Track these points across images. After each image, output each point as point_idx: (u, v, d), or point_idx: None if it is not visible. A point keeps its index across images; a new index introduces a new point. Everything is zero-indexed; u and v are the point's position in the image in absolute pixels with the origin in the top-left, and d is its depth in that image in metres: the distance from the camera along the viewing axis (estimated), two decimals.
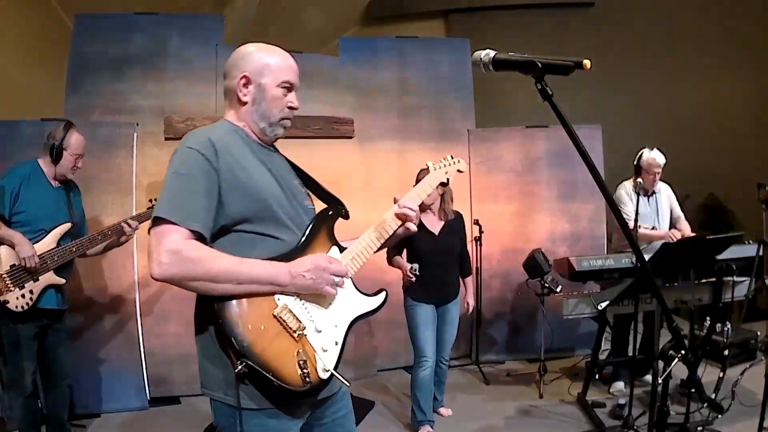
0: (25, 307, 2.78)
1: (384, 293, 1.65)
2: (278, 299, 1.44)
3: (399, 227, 1.69)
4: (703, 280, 3.58)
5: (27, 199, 2.86)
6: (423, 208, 3.37)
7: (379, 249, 1.69)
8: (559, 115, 1.21)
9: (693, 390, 3.39)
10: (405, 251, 3.44)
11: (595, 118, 5.05)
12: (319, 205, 1.71)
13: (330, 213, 1.65)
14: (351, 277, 1.59)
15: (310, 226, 1.57)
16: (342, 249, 1.61)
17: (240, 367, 1.32)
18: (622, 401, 3.61)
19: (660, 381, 1.54)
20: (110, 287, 3.87)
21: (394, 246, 3.37)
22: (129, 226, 3.02)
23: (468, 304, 3.60)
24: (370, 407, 3.80)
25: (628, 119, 6.36)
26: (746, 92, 6.34)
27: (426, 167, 1.89)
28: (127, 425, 3.66)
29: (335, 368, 1.48)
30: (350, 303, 1.58)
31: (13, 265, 2.77)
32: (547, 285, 3.89)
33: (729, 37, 6.38)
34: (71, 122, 3.04)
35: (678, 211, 4.15)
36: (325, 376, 1.45)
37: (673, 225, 4.12)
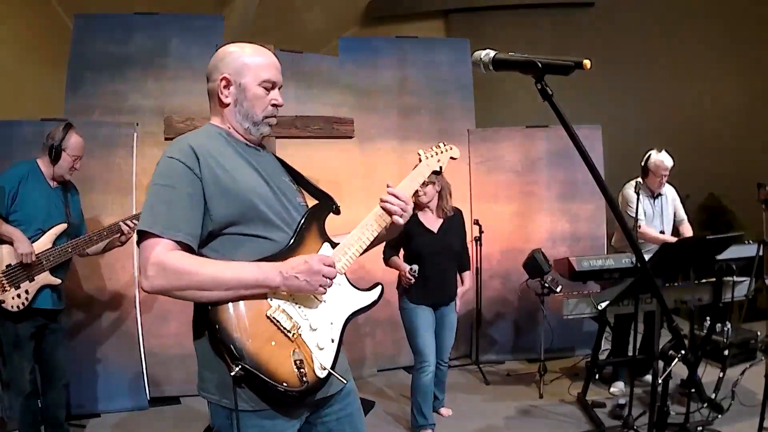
0: (21, 307, 2.79)
1: (380, 287, 1.64)
2: (271, 300, 1.43)
3: (388, 220, 1.65)
4: (703, 280, 3.58)
5: (24, 199, 2.86)
6: (421, 206, 3.36)
7: (373, 244, 1.66)
8: (559, 115, 1.21)
9: (693, 390, 3.39)
10: (402, 251, 3.40)
11: (595, 118, 5.04)
12: (311, 202, 1.69)
13: (320, 209, 1.63)
14: (345, 273, 1.58)
15: (301, 223, 1.55)
16: (334, 245, 1.60)
17: (236, 370, 1.31)
18: (622, 401, 3.61)
19: (660, 381, 1.54)
20: (110, 287, 3.87)
21: (391, 246, 3.36)
22: (127, 226, 3.02)
23: (458, 303, 3.52)
24: (371, 407, 3.81)
25: (628, 119, 6.37)
26: (746, 92, 6.34)
27: (419, 156, 1.83)
28: (127, 425, 3.66)
29: (333, 366, 1.47)
30: (345, 299, 1.56)
31: (9, 265, 2.77)
32: (547, 285, 3.89)
33: (729, 37, 6.38)
34: (71, 123, 3.05)
35: (682, 214, 4.15)
36: (322, 374, 1.45)
37: (676, 227, 4.12)
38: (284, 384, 1.36)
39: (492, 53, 1.27)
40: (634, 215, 3.71)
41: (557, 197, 4.85)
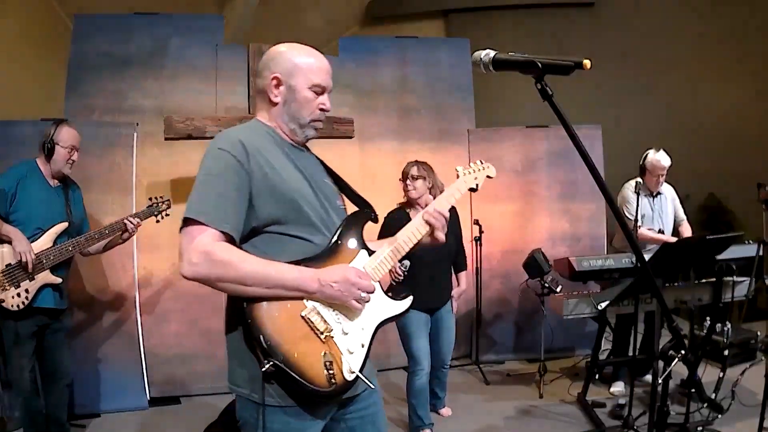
0: (21, 306, 2.78)
1: (410, 298, 1.67)
2: (307, 301, 1.46)
3: (426, 233, 1.68)
4: (703, 280, 3.58)
5: (24, 199, 2.86)
6: (411, 203, 3.33)
7: (407, 254, 1.68)
8: (559, 115, 1.21)
9: (693, 390, 3.39)
10: None
11: (595, 118, 5.05)
12: (349, 206, 1.71)
13: (360, 216, 1.66)
14: (379, 281, 1.60)
15: (340, 228, 1.58)
16: (370, 252, 1.62)
17: (267, 366, 1.34)
18: (622, 401, 3.61)
19: (660, 381, 1.55)
20: (110, 287, 3.87)
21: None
22: (131, 223, 3.01)
23: (455, 305, 3.48)
24: None
25: (628, 119, 6.37)
26: (746, 92, 6.33)
27: (457, 173, 1.84)
28: (127, 425, 3.66)
29: (360, 370, 1.50)
30: (377, 306, 1.59)
31: (9, 264, 2.77)
32: (547, 285, 3.89)
33: (729, 37, 6.38)
34: (63, 120, 3.04)
35: (681, 214, 4.14)
36: (350, 377, 1.47)
37: (675, 227, 4.12)
38: (313, 384, 1.39)
39: (492, 53, 1.27)
40: (631, 215, 3.71)
41: (557, 197, 4.85)
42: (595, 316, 3.72)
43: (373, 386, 1.56)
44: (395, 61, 4.77)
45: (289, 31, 6.61)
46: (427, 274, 3.20)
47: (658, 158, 3.87)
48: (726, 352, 3.67)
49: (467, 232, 4.53)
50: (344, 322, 1.50)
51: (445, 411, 3.69)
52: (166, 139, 3.48)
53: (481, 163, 1.89)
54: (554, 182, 4.85)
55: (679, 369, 1.31)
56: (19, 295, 2.78)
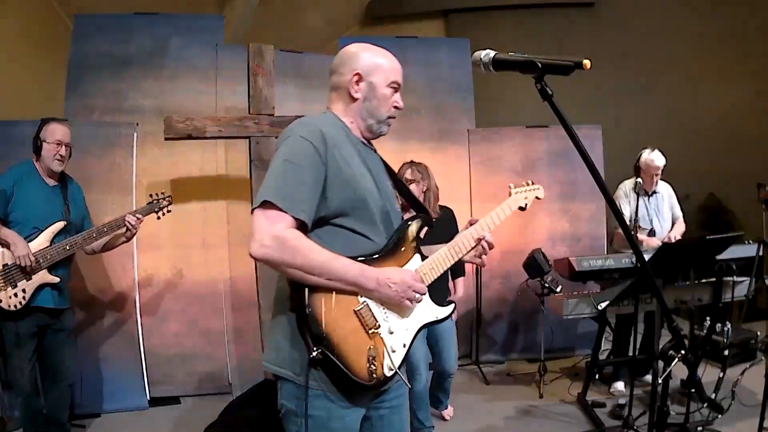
0: (18, 306, 2.78)
1: (453, 305, 1.73)
2: (360, 297, 1.52)
3: (472, 249, 1.75)
4: (703, 280, 3.57)
5: (20, 199, 2.86)
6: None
7: (458, 262, 1.75)
8: (559, 115, 1.21)
9: (693, 390, 3.39)
10: None
11: (595, 118, 5.04)
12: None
13: (418, 220, 1.71)
14: (427, 285, 1.66)
15: (399, 230, 1.65)
16: (423, 257, 1.69)
17: (316, 353, 1.41)
18: (622, 401, 3.61)
19: (660, 381, 1.55)
20: (110, 287, 3.87)
21: None
22: (132, 220, 3.00)
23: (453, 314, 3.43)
24: None
25: (628, 119, 6.37)
26: (746, 92, 6.33)
27: (510, 190, 1.92)
28: (127, 425, 3.66)
29: (399, 368, 1.57)
30: (422, 310, 1.65)
31: (6, 264, 2.76)
32: (547, 285, 3.88)
33: (729, 37, 6.38)
34: (51, 118, 3.03)
35: (677, 212, 4.14)
36: (389, 374, 1.54)
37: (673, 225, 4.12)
38: (356, 375, 1.47)
39: (492, 53, 1.27)
40: (623, 214, 3.72)
41: (557, 197, 4.85)
42: (595, 316, 3.72)
43: (409, 385, 1.65)
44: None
45: (289, 31, 6.63)
46: None
47: (653, 158, 3.87)
48: (726, 352, 3.67)
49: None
50: (391, 322, 1.57)
51: (447, 413, 3.68)
52: (166, 139, 3.47)
53: (533, 183, 1.97)
54: (554, 182, 4.85)
55: (679, 369, 1.31)
56: (16, 295, 2.77)
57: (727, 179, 6.01)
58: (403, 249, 1.64)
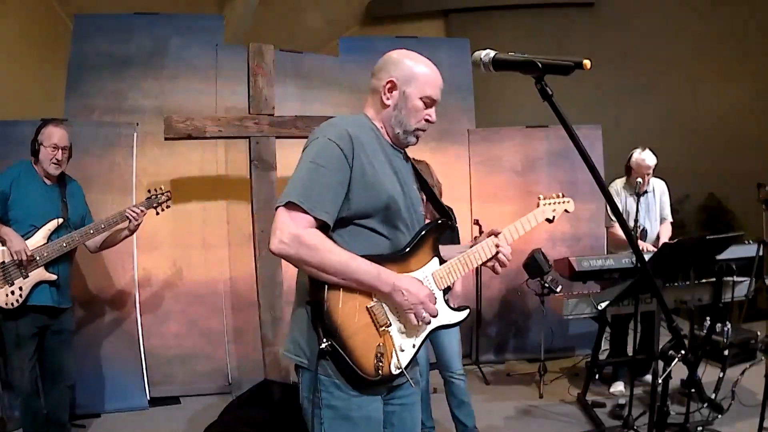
0: (15, 304, 2.77)
1: (467, 310, 1.74)
2: (375, 295, 1.55)
3: (490, 259, 1.76)
4: (703, 280, 3.57)
5: (18, 198, 2.87)
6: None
7: (476, 268, 1.78)
8: (559, 115, 1.21)
9: (693, 390, 3.38)
10: None
11: (595, 118, 5.04)
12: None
13: (439, 224, 1.73)
14: (442, 290, 1.69)
15: (419, 234, 1.66)
16: (442, 261, 1.70)
17: (325, 345, 1.46)
18: (622, 401, 3.61)
19: (660, 381, 1.55)
20: (110, 287, 3.87)
21: None
22: (136, 209, 2.99)
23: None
24: None
25: (628, 119, 6.36)
26: (746, 92, 6.34)
27: (539, 201, 1.92)
28: (127, 425, 3.66)
29: (407, 367, 1.59)
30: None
31: (3, 262, 2.77)
32: (547, 285, 3.88)
33: (729, 37, 6.38)
34: (51, 119, 3.03)
35: (666, 212, 4.10)
36: (395, 372, 1.57)
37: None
38: (361, 370, 1.51)
39: (492, 53, 1.27)
40: (611, 215, 3.73)
41: None
42: (595, 316, 3.72)
43: (413, 384, 1.65)
44: None
45: (289, 31, 6.63)
46: None
47: (643, 157, 3.86)
48: (726, 352, 3.67)
49: (467, 233, 4.53)
50: (403, 322, 1.59)
51: None
52: (166, 139, 3.47)
53: (562, 195, 1.97)
54: (554, 182, 4.84)
55: (679, 369, 1.31)
56: (12, 293, 2.77)
57: (727, 179, 6.01)
58: (421, 252, 1.66)
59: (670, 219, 4.12)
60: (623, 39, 6.60)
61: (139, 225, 3.05)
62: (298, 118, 3.64)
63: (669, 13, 6.55)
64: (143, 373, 3.94)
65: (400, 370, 1.57)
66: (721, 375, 3.59)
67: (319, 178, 1.50)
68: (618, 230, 3.98)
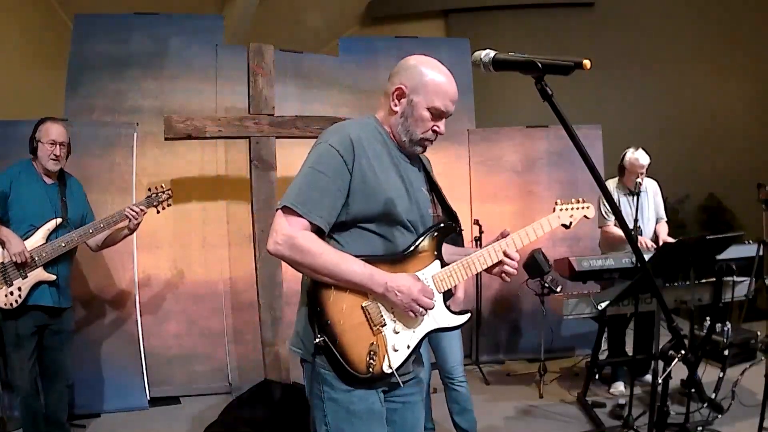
0: (14, 305, 2.77)
1: (468, 315, 1.73)
2: (370, 294, 1.57)
3: (495, 265, 1.74)
4: (703, 280, 3.57)
5: (17, 197, 2.87)
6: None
7: (479, 272, 1.76)
8: (559, 115, 1.21)
9: (693, 390, 3.39)
10: None
11: (595, 118, 5.04)
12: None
13: (445, 228, 1.72)
14: (442, 292, 1.68)
15: (423, 236, 1.67)
16: (444, 264, 1.69)
17: (319, 340, 1.50)
18: (622, 401, 3.61)
19: (660, 381, 1.55)
20: (110, 287, 3.87)
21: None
22: (135, 208, 2.98)
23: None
24: None
25: (628, 119, 6.37)
26: (746, 92, 6.34)
27: (555, 207, 1.89)
28: (127, 425, 3.66)
29: (398, 368, 1.59)
30: (434, 315, 1.66)
31: (2, 263, 2.76)
32: (547, 285, 3.88)
33: (729, 37, 6.38)
34: (48, 117, 3.02)
35: (661, 212, 4.10)
36: (387, 371, 1.57)
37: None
38: (352, 367, 1.53)
39: (492, 53, 1.27)
40: (606, 215, 3.85)
41: (557, 197, 4.84)
42: (595, 316, 3.72)
43: (402, 384, 1.63)
44: (395, 61, 4.67)
45: (289, 31, 6.63)
46: None
47: (636, 157, 3.86)
48: (726, 352, 3.67)
49: (467, 233, 4.53)
50: (398, 322, 1.60)
51: None
52: (166, 139, 3.47)
53: (582, 201, 1.93)
54: (554, 182, 4.85)
55: (679, 369, 1.31)
56: (11, 293, 2.77)
57: (727, 179, 6.01)
58: (423, 254, 1.66)
59: (665, 218, 4.13)
60: (623, 39, 6.60)
61: (138, 224, 3.04)
62: (298, 118, 3.64)
63: (669, 12, 6.55)
64: (143, 373, 3.94)
65: (392, 370, 1.58)
66: (721, 375, 3.59)
67: (316, 183, 1.53)
68: (612, 229, 3.98)
